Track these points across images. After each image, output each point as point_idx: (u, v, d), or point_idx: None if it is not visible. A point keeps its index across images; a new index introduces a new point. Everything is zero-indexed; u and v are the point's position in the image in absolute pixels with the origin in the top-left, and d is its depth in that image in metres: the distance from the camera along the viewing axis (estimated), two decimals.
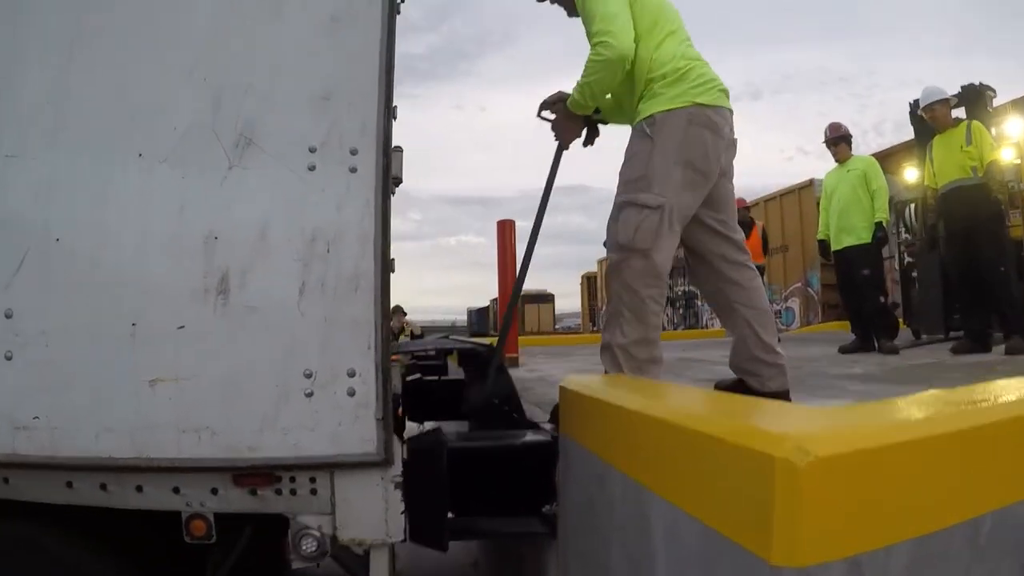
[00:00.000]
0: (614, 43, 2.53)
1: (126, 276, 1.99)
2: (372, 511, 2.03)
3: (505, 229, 7.35)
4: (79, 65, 2.04)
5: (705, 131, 2.63)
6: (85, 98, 2.05)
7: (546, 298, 27.59)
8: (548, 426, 2.56)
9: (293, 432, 1.95)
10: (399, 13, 2.28)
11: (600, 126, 3.05)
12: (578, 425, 2.09)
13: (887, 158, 9.06)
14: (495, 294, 8.13)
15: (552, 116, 2.94)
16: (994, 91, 6.90)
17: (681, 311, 18.43)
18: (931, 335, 7.42)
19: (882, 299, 6.48)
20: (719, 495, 1.12)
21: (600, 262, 22.72)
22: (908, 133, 8.29)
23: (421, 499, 2.19)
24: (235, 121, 2.03)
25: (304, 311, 1.96)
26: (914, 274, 8.69)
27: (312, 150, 2.02)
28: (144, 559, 2.23)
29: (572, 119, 2.88)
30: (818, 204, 12.71)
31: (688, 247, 2.87)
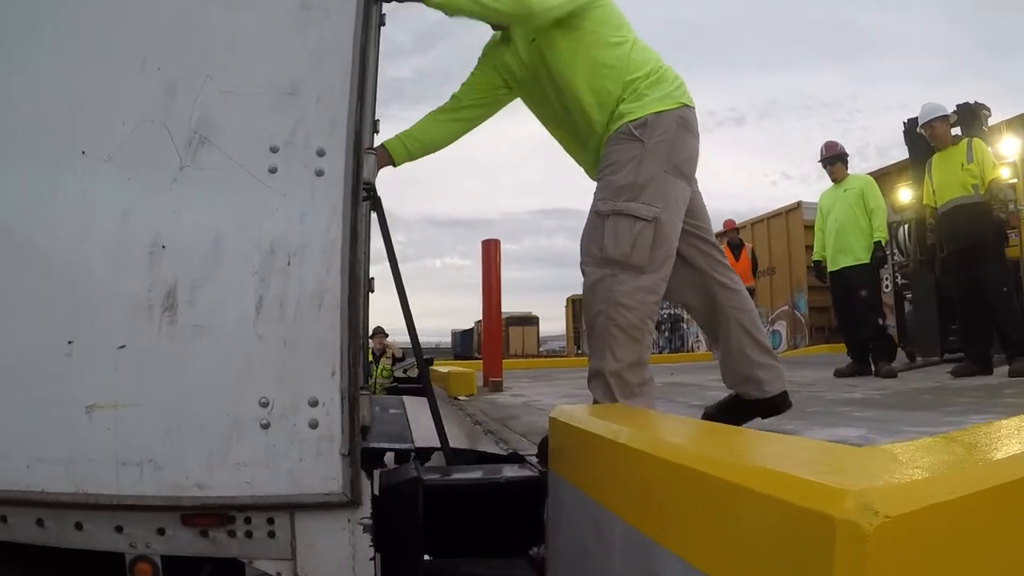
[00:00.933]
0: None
1: (62, 288, 1.76)
2: (337, 557, 1.78)
3: (490, 248, 7.15)
4: (14, 49, 1.83)
5: (690, 134, 2.44)
6: (21, 87, 1.83)
7: (530, 321, 27.33)
8: (536, 459, 2.33)
9: (247, 468, 1.70)
10: (378, 4, 2.08)
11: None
12: (571, 463, 1.85)
13: (878, 179, 8.96)
14: (480, 316, 7.93)
15: None
16: (989, 110, 6.77)
17: (667, 334, 18.21)
18: (926, 357, 7.24)
19: (880, 321, 6.30)
20: (754, 558, 0.90)
21: None
22: (891, 157, 8.23)
23: (393, 541, 1.96)
24: (190, 116, 1.80)
25: (260, 332, 1.73)
26: (908, 295, 8.56)
27: (274, 150, 1.79)
28: None
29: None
30: (806, 227, 12.67)
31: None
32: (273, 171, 1.78)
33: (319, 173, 1.79)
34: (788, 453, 1.08)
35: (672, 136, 2.38)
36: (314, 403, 1.72)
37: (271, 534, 1.78)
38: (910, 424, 3.01)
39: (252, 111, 1.82)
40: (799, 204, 13.68)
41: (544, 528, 2.09)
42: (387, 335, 11.34)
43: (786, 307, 14.22)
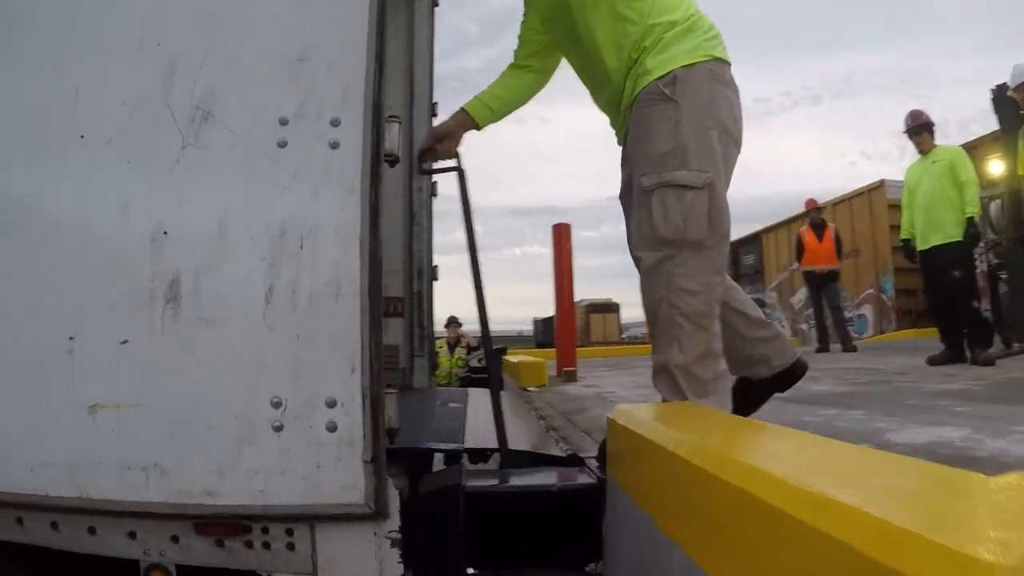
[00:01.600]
0: None
1: (63, 281, 1.62)
2: (363, 574, 1.59)
3: (560, 233, 6.87)
4: (13, 35, 1.69)
5: (728, 90, 2.10)
6: (20, 73, 1.70)
7: (611, 307, 26.78)
8: (596, 462, 2.09)
9: (259, 475, 1.52)
10: None
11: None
12: (629, 473, 1.60)
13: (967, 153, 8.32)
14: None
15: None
16: None
17: None
18: (1023, 343, 6.66)
19: (975, 304, 5.78)
20: None
21: None
22: (972, 133, 7.58)
23: (431, 553, 1.76)
24: (192, 91, 1.63)
25: (271, 324, 1.54)
26: (1002, 276, 7.92)
27: (283, 122, 1.60)
28: None
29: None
30: (891, 206, 11.95)
31: None
32: (282, 145, 1.59)
33: (333, 145, 1.59)
34: (897, 485, 0.80)
35: (708, 91, 2.04)
36: (332, 403, 1.53)
37: (290, 546, 1.60)
38: (1019, 422, 2.63)
39: (258, 81, 1.63)
40: (882, 183, 12.90)
41: (602, 542, 1.85)
42: (461, 324, 11.27)
43: (872, 290, 13.47)
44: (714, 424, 1.56)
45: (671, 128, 2.00)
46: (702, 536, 1.04)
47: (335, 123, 1.59)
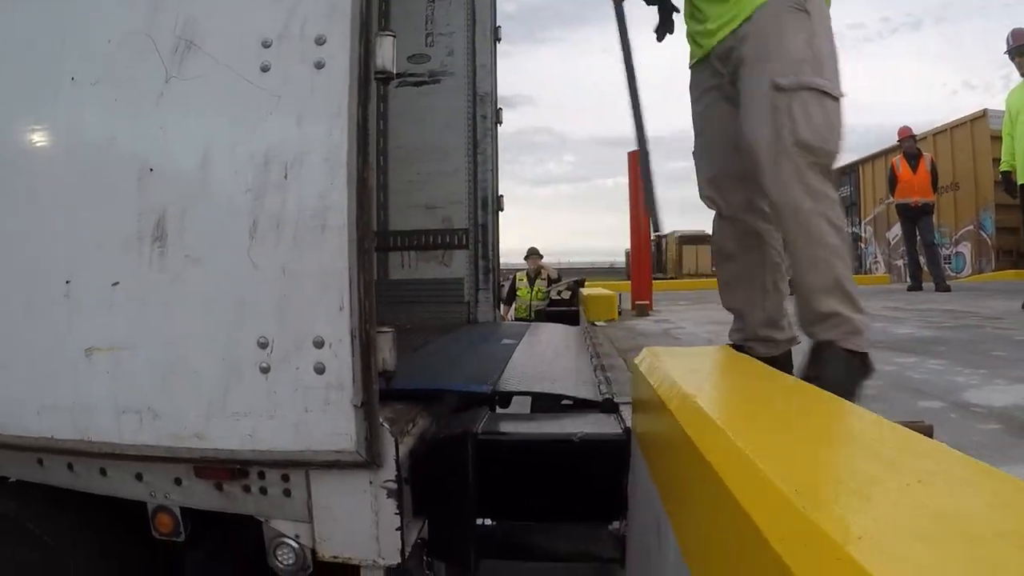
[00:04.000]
0: None
1: (58, 224, 1.54)
2: (358, 524, 1.46)
3: (635, 161, 6.49)
4: None
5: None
6: (11, 20, 1.61)
7: (704, 239, 25.96)
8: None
9: (247, 419, 1.41)
10: None
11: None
12: (646, 430, 1.39)
13: None
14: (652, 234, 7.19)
15: None
16: None
17: None
18: None
19: None
20: None
21: None
22: None
23: (440, 503, 1.64)
24: (175, 21, 1.48)
25: (256, 260, 1.40)
26: None
27: (266, 45, 1.43)
28: (123, 554, 1.83)
29: None
30: (994, 137, 10.90)
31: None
32: (266, 69, 1.43)
33: (319, 65, 1.41)
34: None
35: (827, 16, 1.85)
36: (319, 343, 1.39)
37: (287, 492, 1.50)
38: None
39: (239, 4, 1.48)
40: (985, 112, 11.68)
41: (625, 501, 1.68)
42: (541, 256, 11.04)
43: (971, 227, 12.40)
44: (729, 378, 1.34)
45: (806, 38, 1.78)
46: (689, 518, 0.85)
47: (320, 41, 1.42)
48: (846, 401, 1.04)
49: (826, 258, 1.71)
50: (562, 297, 8.34)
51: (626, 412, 1.88)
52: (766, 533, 0.56)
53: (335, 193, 1.39)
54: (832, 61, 1.79)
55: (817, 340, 1.74)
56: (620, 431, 1.74)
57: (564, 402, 2.10)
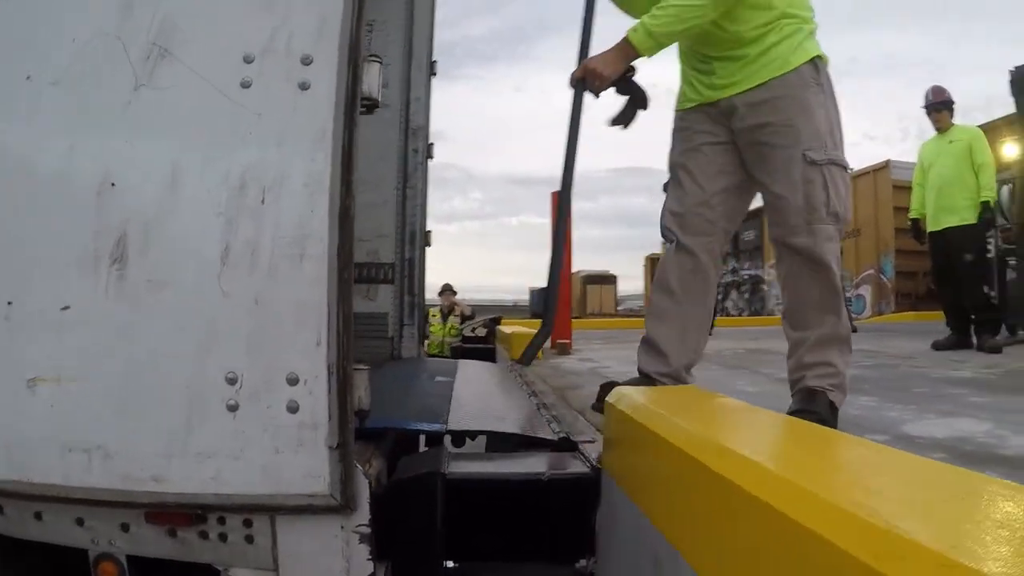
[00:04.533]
0: None
1: (2, 238, 1.40)
2: (328, 572, 1.38)
3: (556, 202, 6.57)
4: None
5: None
6: None
7: (608, 279, 26.55)
8: (592, 446, 1.87)
9: (211, 460, 1.30)
10: None
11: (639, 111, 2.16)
12: (628, 467, 1.37)
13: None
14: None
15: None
16: None
17: (747, 296, 17.28)
18: None
19: (985, 289, 5.51)
20: None
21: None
22: (975, 120, 7.21)
23: (406, 544, 1.55)
24: (148, 25, 1.38)
25: (227, 288, 1.31)
26: (1011, 262, 7.63)
27: (248, 60, 1.35)
28: None
29: (618, 58, 2.04)
30: (895, 187, 11.60)
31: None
32: (246, 85, 1.34)
33: (303, 86, 1.34)
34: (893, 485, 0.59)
35: (830, 77, 2.10)
36: (294, 380, 1.30)
37: (249, 538, 1.38)
38: None
39: (222, 13, 1.38)
40: (887, 163, 12.49)
41: (594, 538, 1.64)
42: (455, 292, 11.01)
43: (871, 271, 13.15)
44: (724, 414, 1.33)
45: (824, 114, 2.02)
46: (711, 546, 0.82)
47: (306, 61, 1.34)
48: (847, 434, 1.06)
49: (840, 311, 2.04)
50: (476, 334, 8.32)
51: (588, 450, 1.85)
52: (856, 553, 0.54)
53: (315, 221, 1.31)
54: (839, 129, 2.03)
55: (807, 385, 1.98)
56: (588, 469, 1.70)
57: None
